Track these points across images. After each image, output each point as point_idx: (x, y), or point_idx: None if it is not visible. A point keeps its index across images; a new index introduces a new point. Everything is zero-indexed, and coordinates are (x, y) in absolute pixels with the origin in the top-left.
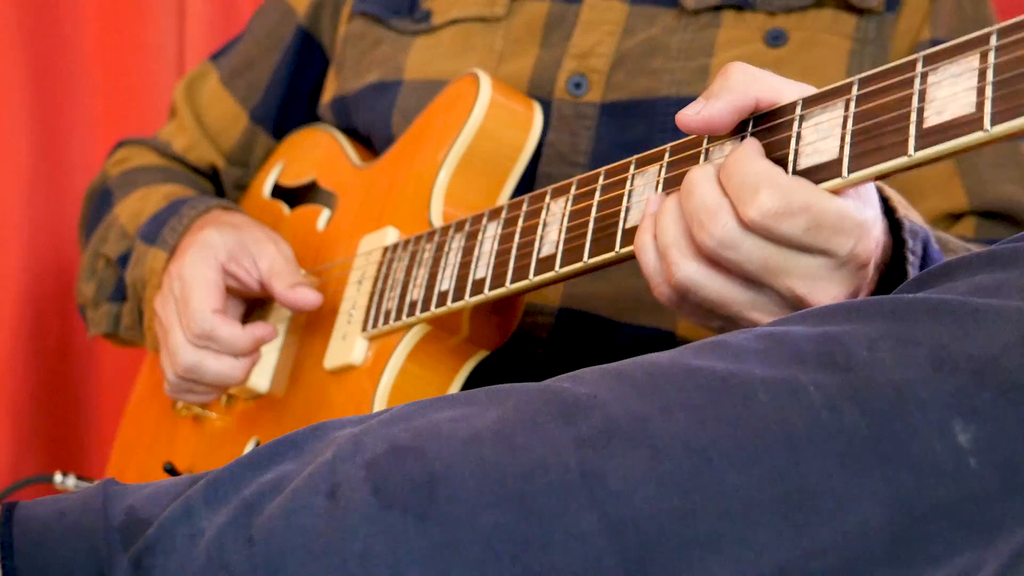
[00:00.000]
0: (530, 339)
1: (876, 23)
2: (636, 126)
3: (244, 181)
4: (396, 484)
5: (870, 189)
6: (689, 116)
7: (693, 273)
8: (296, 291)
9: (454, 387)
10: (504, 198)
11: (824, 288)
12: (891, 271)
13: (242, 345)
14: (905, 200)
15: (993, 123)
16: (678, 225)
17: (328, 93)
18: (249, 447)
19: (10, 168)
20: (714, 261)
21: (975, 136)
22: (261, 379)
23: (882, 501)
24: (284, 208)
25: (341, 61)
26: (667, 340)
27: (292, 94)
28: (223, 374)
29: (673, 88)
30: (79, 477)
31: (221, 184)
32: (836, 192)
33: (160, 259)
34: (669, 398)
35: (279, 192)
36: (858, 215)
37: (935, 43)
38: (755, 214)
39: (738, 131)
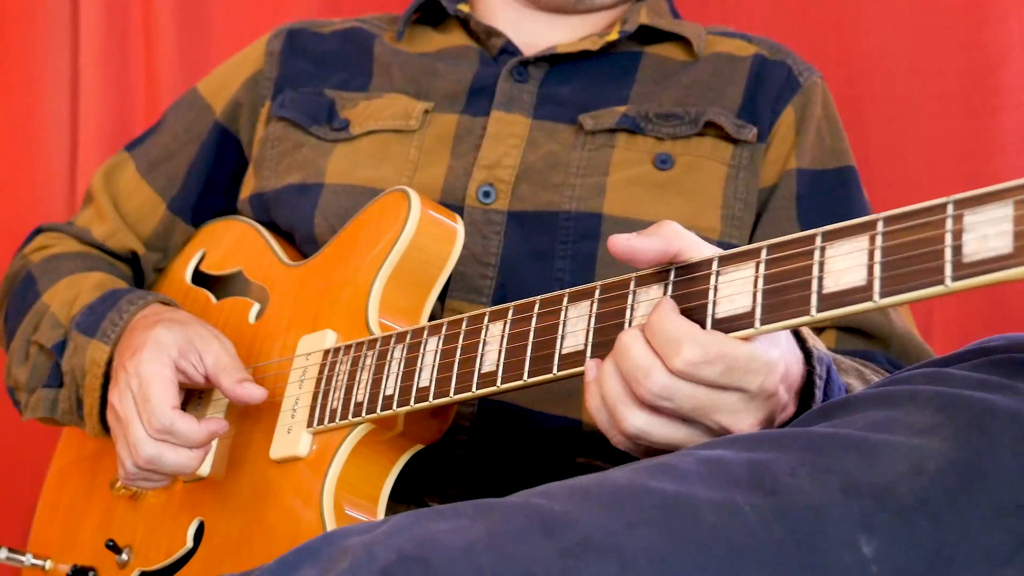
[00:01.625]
0: (456, 428)
1: (750, 151)
2: (540, 236)
3: (162, 265)
4: None
5: (767, 337)
6: (620, 241)
7: (641, 423)
8: (243, 386)
9: (391, 477)
10: (430, 303)
11: (742, 418)
12: (806, 391)
13: (198, 439)
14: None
15: (881, 296)
16: (619, 384)
17: (247, 189)
18: (193, 526)
19: None
20: (655, 409)
21: (865, 305)
22: (204, 464)
23: None
24: (211, 296)
25: (260, 160)
26: (575, 428)
27: (210, 186)
28: (180, 464)
29: (572, 204)
30: (11, 550)
31: (141, 268)
32: (747, 339)
33: (102, 351)
34: (631, 515)
35: (201, 279)
36: (764, 356)
37: (800, 172)
38: (680, 364)
39: (661, 278)
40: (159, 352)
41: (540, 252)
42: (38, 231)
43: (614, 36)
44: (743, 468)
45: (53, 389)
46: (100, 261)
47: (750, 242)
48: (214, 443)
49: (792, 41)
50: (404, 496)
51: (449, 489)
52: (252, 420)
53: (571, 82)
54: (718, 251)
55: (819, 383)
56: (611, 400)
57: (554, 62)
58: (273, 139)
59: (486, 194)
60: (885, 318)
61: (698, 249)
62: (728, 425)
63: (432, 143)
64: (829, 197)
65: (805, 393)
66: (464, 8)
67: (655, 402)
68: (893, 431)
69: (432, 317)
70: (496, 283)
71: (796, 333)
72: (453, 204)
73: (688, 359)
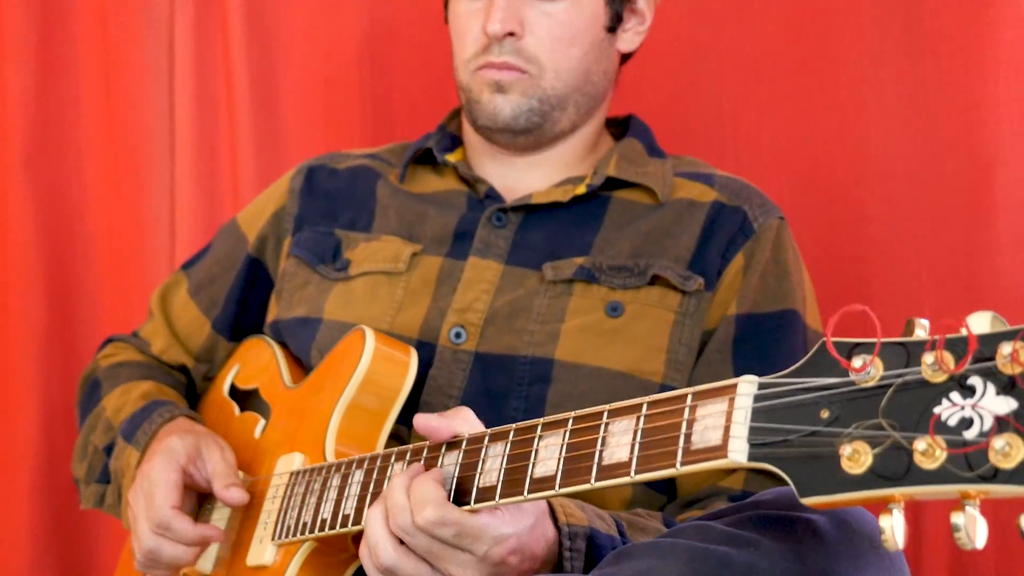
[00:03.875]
0: None
1: (697, 299)
2: (498, 377)
3: (211, 374)
4: None
5: (519, 511)
6: (420, 420)
7: (392, 560)
8: (229, 491)
9: None
10: (386, 432)
11: (469, 574)
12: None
13: (191, 537)
14: (595, 509)
15: (636, 473)
16: (381, 517)
17: (271, 315)
18: None
19: (29, 325)
20: (402, 547)
21: (623, 479)
22: (206, 562)
23: None
24: (236, 408)
25: (279, 291)
26: None
27: (245, 309)
28: (176, 557)
29: (529, 349)
30: None
31: (192, 378)
32: (478, 512)
33: (134, 456)
34: None
35: (233, 392)
36: (493, 531)
37: (738, 317)
38: (421, 521)
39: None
40: (168, 458)
41: (497, 392)
42: (109, 340)
43: (582, 190)
44: None
45: (102, 485)
46: (157, 370)
47: (687, 384)
48: (214, 543)
49: (797, 149)
50: None
51: None
52: (248, 527)
53: (543, 227)
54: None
55: (568, 554)
56: (372, 538)
57: (530, 209)
58: (289, 274)
59: (457, 335)
60: None
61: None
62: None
63: (417, 284)
64: (763, 340)
65: (561, 562)
66: (452, 157)
67: (401, 536)
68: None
69: (400, 440)
70: None
71: (552, 511)
72: (428, 342)
73: (427, 519)
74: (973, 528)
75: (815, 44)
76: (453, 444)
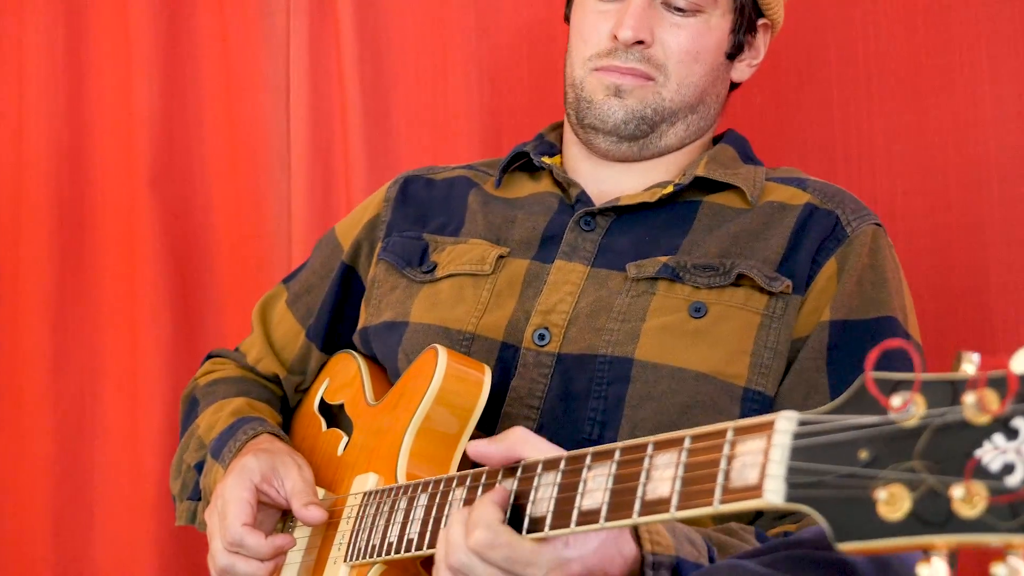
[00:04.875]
0: None
1: (784, 302)
2: (578, 378)
3: (303, 386)
4: None
5: (582, 536)
6: (470, 448)
7: None
8: (308, 509)
9: None
10: (460, 451)
11: None
12: None
13: (264, 552)
14: (679, 526)
15: (677, 509)
16: (441, 550)
17: (360, 322)
18: None
19: (156, 337)
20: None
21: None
22: None
23: None
24: (323, 424)
25: (368, 297)
26: None
27: (338, 318)
28: (250, 574)
29: (608, 348)
30: None
31: (284, 390)
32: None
33: (220, 474)
34: None
35: (322, 407)
36: (549, 556)
37: (832, 324)
38: (472, 544)
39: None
40: (242, 476)
41: (576, 394)
42: (209, 356)
43: (669, 190)
44: None
45: (194, 502)
46: (253, 384)
47: (776, 391)
48: (296, 558)
49: (911, 153)
50: None
51: None
52: (326, 547)
53: (632, 231)
54: (560, 451)
55: None
56: (436, 560)
57: (619, 212)
58: (378, 280)
59: (541, 336)
60: None
61: (542, 452)
62: None
63: (503, 286)
64: (859, 348)
65: None
66: (548, 160)
67: (458, 571)
68: None
69: None
70: (537, 424)
71: (638, 537)
72: (512, 345)
73: (478, 540)
74: None
75: (930, 44)
76: (510, 470)
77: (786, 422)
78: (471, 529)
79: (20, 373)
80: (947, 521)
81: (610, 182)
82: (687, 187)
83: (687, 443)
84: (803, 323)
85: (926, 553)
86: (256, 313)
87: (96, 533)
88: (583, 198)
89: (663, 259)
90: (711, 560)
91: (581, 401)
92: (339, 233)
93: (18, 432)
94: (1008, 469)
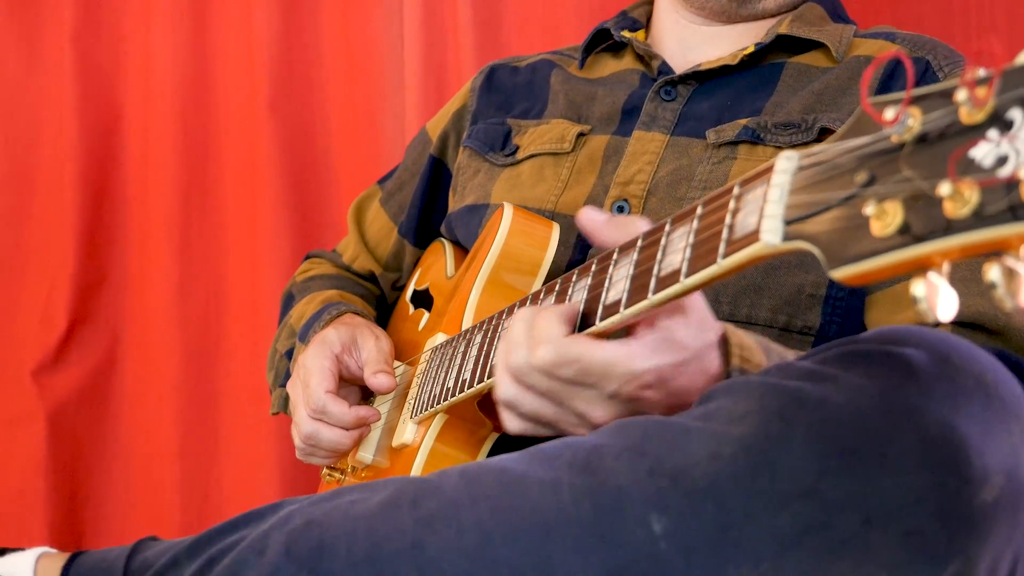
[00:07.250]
0: None
1: None
2: None
3: (400, 283)
4: (300, 547)
5: (662, 343)
6: (586, 216)
7: (511, 394)
8: (376, 376)
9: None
10: None
11: (596, 410)
12: None
13: (348, 420)
14: (774, 346)
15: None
16: (503, 349)
17: (449, 211)
18: None
19: (277, 262)
20: (521, 383)
21: (675, 288)
22: (366, 453)
23: (599, 572)
24: (411, 308)
25: (454, 185)
26: None
27: (428, 211)
28: (335, 442)
29: None
30: None
31: (381, 287)
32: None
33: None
34: (479, 491)
35: (414, 296)
36: (624, 367)
37: None
38: (536, 361)
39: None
40: (323, 347)
41: None
42: (307, 256)
43: (750, 49)
44: (584, 451)
45: (285, 389)
46: (347, 281)
47: None
48: (376, 430)
49: None
50: None
51: None
52: (400, 413)
53: (713, 97)
54: None
55: None
56: (497, 358)
57: (701, 79)
58: (463, 166)
59: (620, 208)
60: (1003, 312)
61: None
62: (583, 412)
63: (583, 163)
64: None
65: None
66: (628, 34)
67: (517, 376)
68: (713, 419)
69: None
70: None
71: (726, 352)
72: None
73: (543, 359)
74: (935, 297)
75: None
76: (584, 270)
77: (786, 162)
78: (535, 346)
79: (147, 297)
80: (940, 227)
81: (698, 50)
82: (771, 48)
83: (699, 210)
84: None
85: (925, 271)
86: (351, 213)
87: (221, 453)
88: (665, 69)
89: (743, 121)
90: None
91: None
92: (429, 129)
93: (145, 355)
94: (1001, 161)
